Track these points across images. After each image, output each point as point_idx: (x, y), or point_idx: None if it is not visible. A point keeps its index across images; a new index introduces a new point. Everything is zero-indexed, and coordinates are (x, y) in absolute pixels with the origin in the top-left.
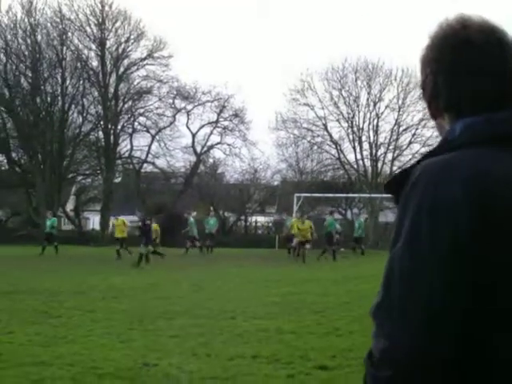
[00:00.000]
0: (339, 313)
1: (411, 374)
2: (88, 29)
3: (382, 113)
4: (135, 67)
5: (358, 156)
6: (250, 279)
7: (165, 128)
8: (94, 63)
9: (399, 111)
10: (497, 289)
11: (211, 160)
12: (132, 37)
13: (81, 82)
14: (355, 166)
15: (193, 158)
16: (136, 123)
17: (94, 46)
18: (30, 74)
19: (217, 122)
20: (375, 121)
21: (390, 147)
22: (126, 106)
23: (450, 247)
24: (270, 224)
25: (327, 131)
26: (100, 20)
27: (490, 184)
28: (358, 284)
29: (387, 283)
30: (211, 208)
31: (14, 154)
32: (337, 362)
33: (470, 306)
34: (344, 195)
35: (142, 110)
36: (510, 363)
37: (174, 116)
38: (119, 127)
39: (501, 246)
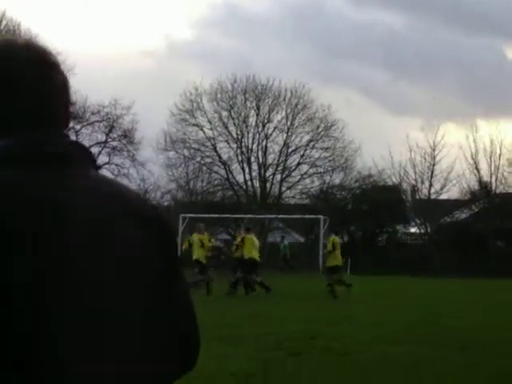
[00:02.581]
0: None
1: None
2: None
3: (271, 134)
4: None
5: (247, 177)
6: None
7: None
8: None
9: (288, 132)
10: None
11: None
12: None
13: None
14: (244, 187)
15: None
16: None
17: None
18: None
19: (105, 142)
20: (264, 142)
21: (279, 168)
22: None
23: None
24: None
25: (216, 152)
26: None
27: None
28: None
29: None
30: None
31: None
32: None
33: None
34: (229, 216)
35: None
36: None
37: None
38: None
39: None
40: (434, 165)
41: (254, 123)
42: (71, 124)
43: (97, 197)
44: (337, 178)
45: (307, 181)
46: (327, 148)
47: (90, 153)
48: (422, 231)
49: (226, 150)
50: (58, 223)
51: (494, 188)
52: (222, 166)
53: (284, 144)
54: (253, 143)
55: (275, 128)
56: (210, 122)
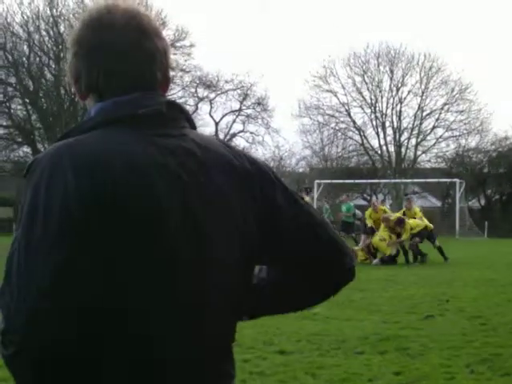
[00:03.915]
0: None
1: (30, 352)
2: None
3: (405, 98)
4: None
5: (382, 142)
6: None
7: None
8: None
9: (422, 96)
10: (117, 276)
11: None
12: None
13: None
14: (379, 152)
15: None
16: None
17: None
18: (54, 66)
19: (239, 110)
20: (398, 106)
21: (414, 132)
22: None
23: (61, 228)
24: None
25: (350, 117)
26: None
27: (104, 165)
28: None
29: (9, 267)
30: None
31: (39, 146)
32: (299, 346)
33: (88, 291)
34: (364, 181)
35: None
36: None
37: (196, 105)
38: None
39: (116, 229)
40: None
41: (387, 87)
42: (206, 93)
43: (185, 157)
44: (472, 141)
45: (442, 144)
46: (462, 111)
47: (186, 112)
48: None
49: (360, 116)
50: (147, 182)
51: None
52: (357, 132)
53: (418, 108)
54: (387, 108)
55: (409, 92)
56: (343, 88)
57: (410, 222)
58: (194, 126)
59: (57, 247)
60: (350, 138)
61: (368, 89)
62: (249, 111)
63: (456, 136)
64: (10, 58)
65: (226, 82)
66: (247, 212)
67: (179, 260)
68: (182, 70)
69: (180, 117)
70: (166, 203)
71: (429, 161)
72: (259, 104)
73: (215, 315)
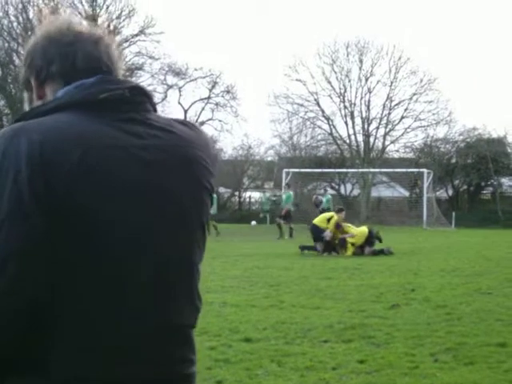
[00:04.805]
0: (292, 286)
1: None
2: (79, 5)
3: (374, 87)
4: (127, 43)
5: (351, 131)
6: (223, 253)
7: (157, 104)
8: None
9: (391, 86)
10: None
11: None
12: (123, 13)
13: None
14: (347, 141)
15: None
16: None
17: (85, 23)
18: (22, 52)
19: (208, 98)
20: (367, 96)
21: (382, 122)
22: None
23: (12, 211)
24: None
25: (319, 106)
26: None
27: (51, 147)
28: (324, 259)
29: None
30: None
31: None
32: (265, 334)
33: (41, 274)
34: (333, 170)
35: None
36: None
37: (165, 92)
38: None
39: (70, 220)
40: None
41: (356, 77)
42: (175, 81)
43: (150, 140)
44: (441, 132)
45: (411, 134)
46: (431, 101)
47: (150, 95)
48: None
49: (329, 105)
50: (107, 168)
51: None
52: (326, 121)
53: (387, 98)
54: (356, 97)
55: (378, 82)
56: (312, 77)
57: (351, 240)
58: (155, 110)
59: (7, 236)
60: (319, 127)
61: (337, 78)
62: (218, 99)
63: (424, 126)
64: None
65: (196, 69)
66: (203, 202)
67: (143, 242)
68: (151, 58)
69: (144, 100)
70: (127, 186)
71: (397, 151)
72: (228, 92)
73: (176, 300)
